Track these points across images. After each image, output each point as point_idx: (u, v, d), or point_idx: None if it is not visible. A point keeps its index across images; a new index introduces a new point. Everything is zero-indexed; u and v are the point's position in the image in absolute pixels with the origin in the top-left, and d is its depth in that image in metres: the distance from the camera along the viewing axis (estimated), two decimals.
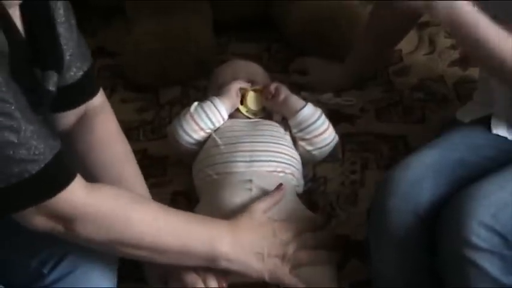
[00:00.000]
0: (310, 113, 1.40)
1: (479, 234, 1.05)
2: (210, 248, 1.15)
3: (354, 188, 1.42)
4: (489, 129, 1.27)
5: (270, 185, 1.29)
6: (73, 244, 1.10)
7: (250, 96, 1.45)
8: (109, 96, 1.65)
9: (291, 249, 1.21)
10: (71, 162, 1.06)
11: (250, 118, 1.45)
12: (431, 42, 1.80)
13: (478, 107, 1.33)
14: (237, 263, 1.17)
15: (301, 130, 1.40)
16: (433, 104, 1.61)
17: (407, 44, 1.77)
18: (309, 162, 1.44)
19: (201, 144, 1.41)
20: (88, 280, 1.12)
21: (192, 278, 1.19)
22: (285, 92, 1.43)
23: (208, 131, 1.40)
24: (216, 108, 1.41)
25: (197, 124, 1.40)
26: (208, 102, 1.41)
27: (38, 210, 1.01)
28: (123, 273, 1.19)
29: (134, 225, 1.09)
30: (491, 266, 1.06)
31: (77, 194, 1.04)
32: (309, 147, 1.41)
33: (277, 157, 1.35)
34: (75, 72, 1.18)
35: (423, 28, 1.83)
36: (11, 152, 0.95)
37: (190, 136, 1.40)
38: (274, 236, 1.21)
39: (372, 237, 1.20)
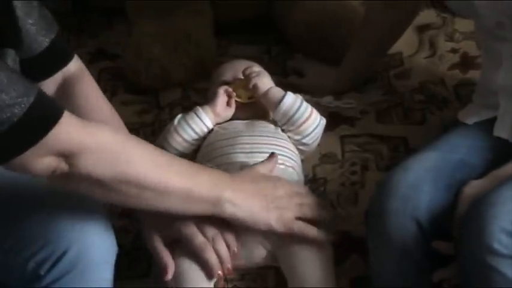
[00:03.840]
0: (290, 103, 1.40)
1: (500, 241, 1.03)
2: (215, 190, 1.14)
3: (354, 188, 1.41)
4: (490, 131, 1.27)
5: None
6: (70, 242, 1.10)
7: (241, 88, 1.46)
8: (109, 98, 1.66)
9: (293, 201, 1.21)
10: (54, 99, 1.05)
11: (246, 112, 1.45)
12: (432, 45, 1.79)
13: (483, 110, 1.32)
14: (242, 208, 1.16)
15: (286, 122, 1.41)
16: (434, 106, 1.60)
17: (407, 47, 1.77)
18: (304, 152, 1.44)
19: (189, 153, 1.42)
20: (85, 280, 1.11)
21: (201, 242, 1.18)
22: (262, 84, 1.43)
23: (193, 141, 1.42)
24: (199, 118, 1.42)
25: (180, 136, 1.41)
26: (192, 114, 1.42)
27: (37, 151, 1.00)
28: (121, 271, 1.18)
29: (136, 160, 1.08)
30: None
31: (73, 127, 1.03)
32: (297, 137, 1.41)
33: (277, 150, 1.35)
34: (41, 40, 1.17)
35: (424, 31, 1.83)
36: None
37: (175, 148, 1.41)
38: (275, 189, 1.21)
39: (370, 239, 1.20)
